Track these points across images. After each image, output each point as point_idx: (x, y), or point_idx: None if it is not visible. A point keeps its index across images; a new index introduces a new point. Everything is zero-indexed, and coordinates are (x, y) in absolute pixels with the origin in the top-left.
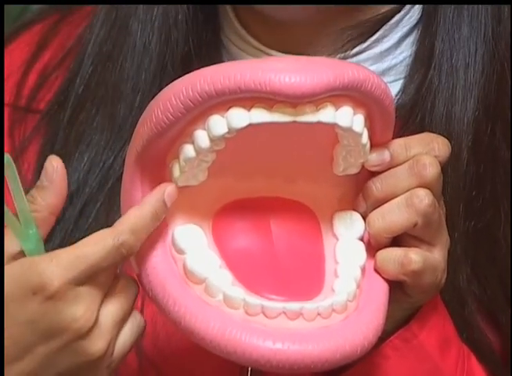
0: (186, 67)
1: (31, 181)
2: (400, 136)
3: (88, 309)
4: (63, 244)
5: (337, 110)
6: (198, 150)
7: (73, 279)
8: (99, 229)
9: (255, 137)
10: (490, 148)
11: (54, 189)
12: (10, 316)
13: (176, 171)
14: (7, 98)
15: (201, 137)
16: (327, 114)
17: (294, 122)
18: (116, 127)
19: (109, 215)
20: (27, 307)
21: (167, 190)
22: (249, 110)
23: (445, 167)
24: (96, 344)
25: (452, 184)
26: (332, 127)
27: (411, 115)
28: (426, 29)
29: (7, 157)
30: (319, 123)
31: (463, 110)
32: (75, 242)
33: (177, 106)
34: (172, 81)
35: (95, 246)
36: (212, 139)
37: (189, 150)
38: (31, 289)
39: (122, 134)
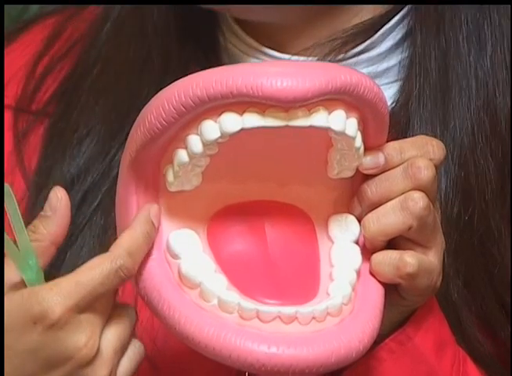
0: (187, 63)
1: (34, 171)
2: None
3: (91, 338)
4: None
5: (329, 113)
6: (191, 155)
7: (74, 306)
8: (103, 214)
9: (248, 141)
10: (478, 163)
11: (57, 219)
12: (10, 346)
13: (170, 176)
14: (9, 100)
15: (194, 142)
16: (320, 118)
17: (287, 126)
18: (119, 117)
19: (113, 200)
20: (28, 337)
21: (151, 211)
22: (241, 114)
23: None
24: (99, 372)
25: (440, 199)
26: (325, 130)
27: (400, 126)
28: (412, 39)
29: (6, 186)
30: (311, 127)
31: (447, 125)
32: (78, 227)
33: (169, 111)
34: (174, 74)
35: (94, 271)
36: (205, 144)
37: (182, 155)
38: (32, 318)
39: (125, 125)
